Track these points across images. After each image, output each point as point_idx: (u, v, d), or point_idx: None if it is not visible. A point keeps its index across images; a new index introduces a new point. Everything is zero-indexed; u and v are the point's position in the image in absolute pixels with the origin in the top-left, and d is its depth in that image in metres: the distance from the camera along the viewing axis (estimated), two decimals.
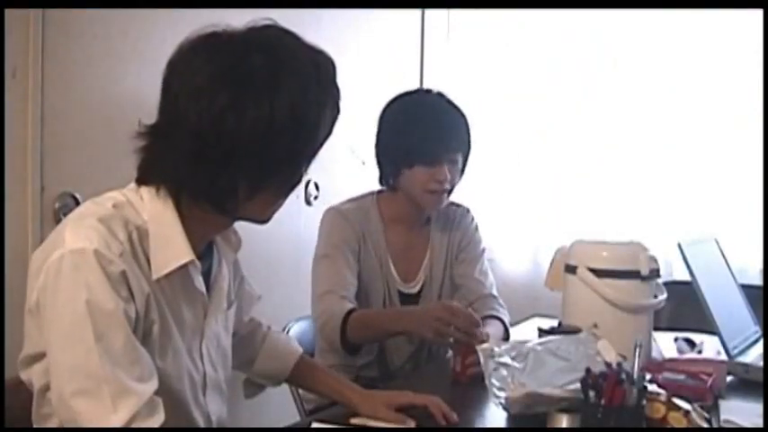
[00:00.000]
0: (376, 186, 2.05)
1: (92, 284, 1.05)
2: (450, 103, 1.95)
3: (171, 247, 1.15)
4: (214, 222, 1.22)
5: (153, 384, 1.09)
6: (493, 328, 1.91)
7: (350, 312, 1.78)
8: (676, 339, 1.98)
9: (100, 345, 1.04)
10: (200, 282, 1.22)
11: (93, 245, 1.06)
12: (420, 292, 2.01)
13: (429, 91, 2.00)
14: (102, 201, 1.16)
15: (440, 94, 1.97)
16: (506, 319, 2.00)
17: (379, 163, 1.99)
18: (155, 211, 1.15)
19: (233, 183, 1.13)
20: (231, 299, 1.38)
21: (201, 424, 1.27)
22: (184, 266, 1.16)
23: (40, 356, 1.12)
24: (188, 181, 1.14)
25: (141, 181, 1.18)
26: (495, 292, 2.06)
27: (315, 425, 1.36)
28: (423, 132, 1.87)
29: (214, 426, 1.30)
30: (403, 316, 1.82)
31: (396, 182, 1.94)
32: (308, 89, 1.12)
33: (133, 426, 1.04)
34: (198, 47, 1.13)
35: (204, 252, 1.26)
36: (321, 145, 1.20)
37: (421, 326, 1.71)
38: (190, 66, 1.12)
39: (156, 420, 1.07)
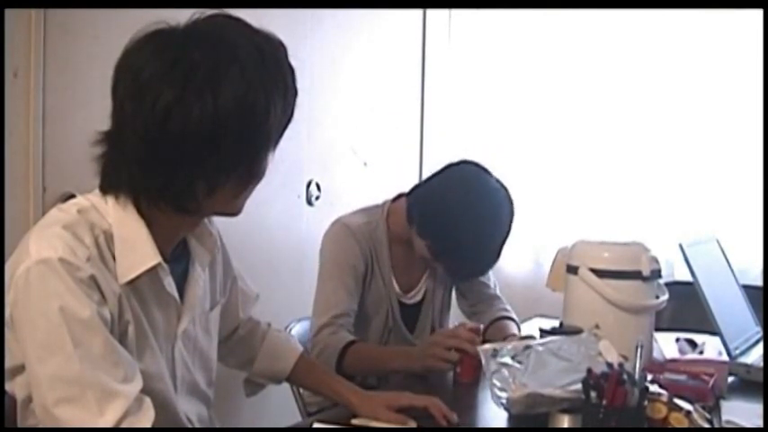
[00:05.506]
0: (377, 187, 2.03)
1: (62, 292, 1.03)
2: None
3: (137, 250, 1.12)
4: (180, 223, 1.19)
5: (138, 383, 1.08)
6: (513, 331, 1.94)
7: (347, 346, 1.75)
8: (678, 340, 1.98)
9: (79, 351, 1.03)
10: (170, 284, 1.19)
11: (57, 253, 1.04)
12: (421, 302, 2.00)
13: (504, 188, 1.93)
14: (67, 207, 1.14)
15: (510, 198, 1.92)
16: (517, 319, 2.03)
17: (421, 226, 1.85)
18: (118, 217, 1.13)
19: (189, 183, 1.10)
20: (216, 300, 1.36)
21: (187, 423, 1.26)
22: (153, 269, 1.14)
23: (20, 369, 1.10)
24: (143, 186, 1.11)
25: (102, 189, 1.15)
26: (499, 293, 2.08)
27: (316, 425, 1.35)
28: (478, 254, 1.86)
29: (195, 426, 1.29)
30: (400, 354, 1.79)
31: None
32: (251, 78, 1.07)
33: (123, 425, 1.03)
34: (141, 46, 1.10)
35: (180, 254, 1.24)
36: (281, 131, 1.15)
37: (419, 359, 1.70)
38: (133, 66, 1.08)
39: (147, 418, 1.06)
